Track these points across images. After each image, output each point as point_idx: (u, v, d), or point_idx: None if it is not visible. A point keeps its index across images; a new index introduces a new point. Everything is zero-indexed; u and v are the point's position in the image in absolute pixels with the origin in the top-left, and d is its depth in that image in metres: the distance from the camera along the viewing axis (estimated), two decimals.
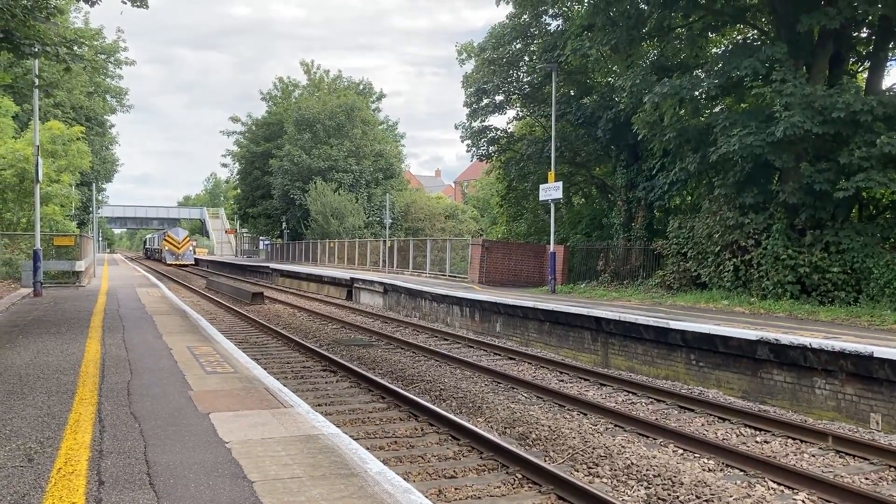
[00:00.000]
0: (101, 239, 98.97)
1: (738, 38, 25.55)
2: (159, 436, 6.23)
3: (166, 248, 78.16)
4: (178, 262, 75.32)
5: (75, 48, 15.70)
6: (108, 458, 5.58)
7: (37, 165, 22.24)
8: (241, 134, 74.74)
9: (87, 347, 11.43)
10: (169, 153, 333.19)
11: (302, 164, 58.80)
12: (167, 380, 8.77)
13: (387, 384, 12.29)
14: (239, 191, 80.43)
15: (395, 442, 9.28)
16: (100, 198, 65.69)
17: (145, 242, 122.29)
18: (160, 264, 79.74)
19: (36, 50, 14.20)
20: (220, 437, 6.24)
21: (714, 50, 26.25)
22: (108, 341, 12.12)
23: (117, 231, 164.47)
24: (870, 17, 19.75)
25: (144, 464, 5.46)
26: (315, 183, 56.31)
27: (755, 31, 23.84)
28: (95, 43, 45.47)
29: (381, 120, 70.72)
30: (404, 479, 6.00)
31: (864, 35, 21.67)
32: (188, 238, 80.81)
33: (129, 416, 6.93)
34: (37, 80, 19.52)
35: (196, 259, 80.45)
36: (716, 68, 21.19)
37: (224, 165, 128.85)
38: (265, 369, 10.71)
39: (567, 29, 27.59)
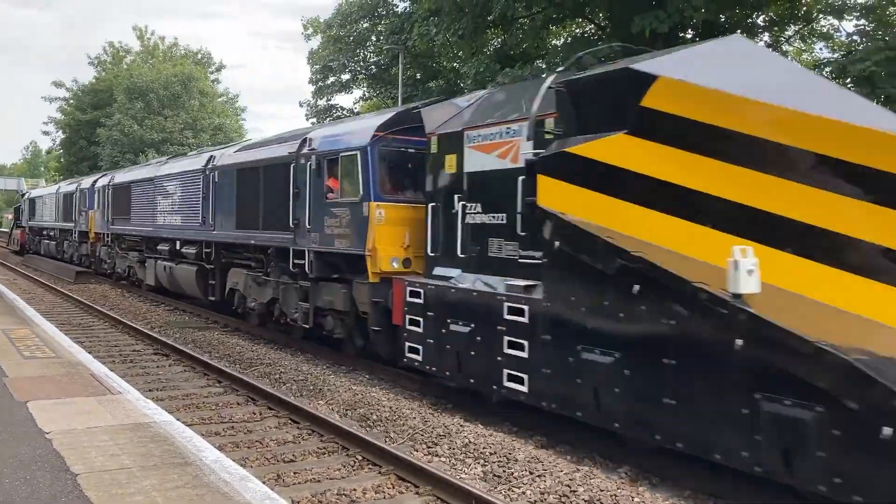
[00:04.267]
0: None
1: (578, 31, 26.70)
2: None
3: None
4: None
5: None
6: None
7: None
8: (65, 100, 69.62)
9: None
10: None
11: (133, 136, 55.75)
12: None
13: (223, 368, 11.94)
14: (62, 161, 74.93)
15: (233, 427, 9.04)
16: None
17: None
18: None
19: None
20: (40, 427, 5.82)
21: (555, 42, 27.27)
22: None
23: None
24: (694, 20, 21.21)
25: None
26: (146, 156, 53.55)
27: (593, 26, 25.00)
28: None
29: (221, 92, 68.12)
30: (241, 465, 5.87)
31: (689, 36, 23.26)
32: None
33: None
34: None
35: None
36: (556, 59, 22.05)
37: (46, 133, 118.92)
38: (91, 353, 10.09)
39: (415, 11, 27.71)
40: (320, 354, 13.88)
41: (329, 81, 34.72)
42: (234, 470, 5.04)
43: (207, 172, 17.18)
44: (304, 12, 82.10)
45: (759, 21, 23.17)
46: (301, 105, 41.75)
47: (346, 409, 10.14)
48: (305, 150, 12.94)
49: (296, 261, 12.95)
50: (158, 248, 20.49)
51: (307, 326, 13.20)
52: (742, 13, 22.20)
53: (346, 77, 34.72)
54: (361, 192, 11.33)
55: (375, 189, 11.19)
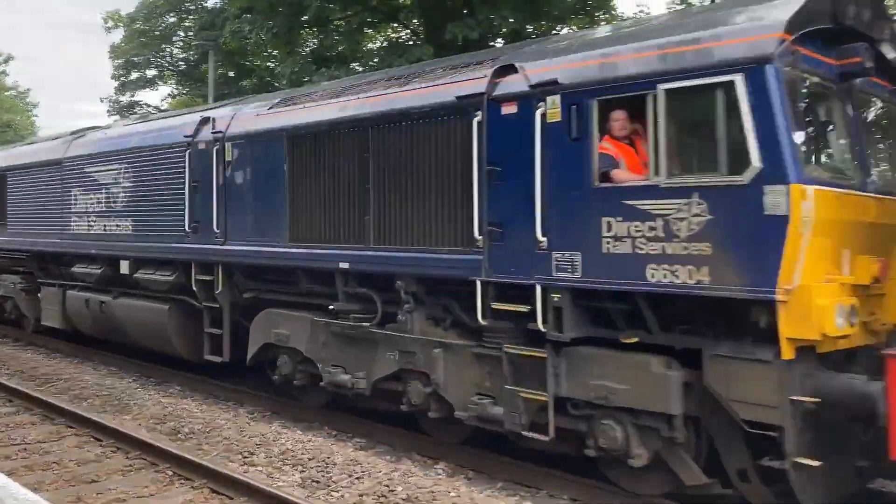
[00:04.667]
0: None
1: (394, 36, 26.99)
2: None
3: None
4: None
5: None
6: None
7: None
8: None
9: None
10: None
11: None
12: None
13: (14, 386, 11.03)
14: None
15: (25, 449, 8.38)
16: None
17: None
18: None
19: None
20: None
21: (371, 46, 27.39)
22: None
23: None
24: (504, 30, 22.13)
25: None
26: None
27: (408, 31, 25.38)
28: None
29: (9, 86, 62.70)
30: (34, 489, 5.41)
31: (499, 44, 24.23)
32: None
33: None
34: None
35: None
36: (371, 63, 22.18)
37: None
38: None
39: (226, 7, 26.81)
40: (125, 365, 13.08)
41: (133, 77, 32.89)
42: (24, 495, 4.65)
43: (203, 146, 10.36)
44: (105, 4, 76.81)
45: (564, 32, 24.53)
46: (102, 101, 39.29)
47: (156, 424, 9.68)
48: (510, 88, 6.94)
49: (496, 305, 7.01)
50: (74, 270, 13.30)
51: (543, 438, 6.79)
52: (547, 25, 23.40)
53: (151, 73, 33.02)
54: (757, 165, 5.42)
55: (794, 156, 5.39)
